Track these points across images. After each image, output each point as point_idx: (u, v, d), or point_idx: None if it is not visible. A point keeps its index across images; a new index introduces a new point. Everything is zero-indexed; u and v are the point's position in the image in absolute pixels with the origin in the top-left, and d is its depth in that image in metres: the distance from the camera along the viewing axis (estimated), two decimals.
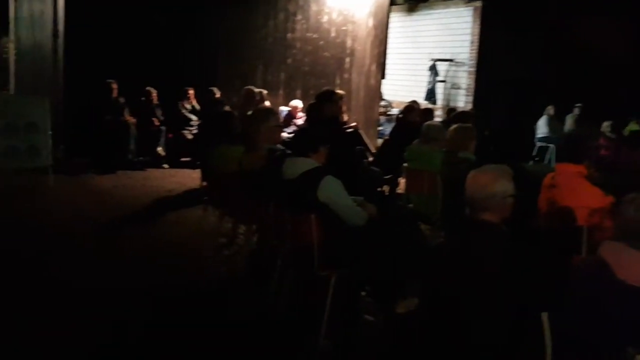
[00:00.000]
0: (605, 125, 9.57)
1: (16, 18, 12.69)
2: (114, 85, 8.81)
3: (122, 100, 8.89)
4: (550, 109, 12.07)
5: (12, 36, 13.11)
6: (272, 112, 4.70)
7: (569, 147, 9.84)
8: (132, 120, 8.85)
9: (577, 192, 4.35)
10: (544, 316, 2.49)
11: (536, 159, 12.02)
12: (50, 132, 7.77)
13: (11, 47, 13.27)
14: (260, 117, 4.54)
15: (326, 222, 3.69)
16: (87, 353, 3.51)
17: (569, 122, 12.23)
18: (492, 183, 2.77)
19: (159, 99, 9.26)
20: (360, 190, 4.18)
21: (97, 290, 4.37)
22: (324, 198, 3.68)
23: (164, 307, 4.21)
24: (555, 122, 12.07)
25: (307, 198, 3.69)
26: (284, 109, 9.64)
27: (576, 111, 12.22)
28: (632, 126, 10.30)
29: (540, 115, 12.13)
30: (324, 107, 5.80)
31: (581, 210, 4.25)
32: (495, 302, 2.59)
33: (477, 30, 13.03)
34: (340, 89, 9.54)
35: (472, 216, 2.82)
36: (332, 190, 3.71)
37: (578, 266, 2.77)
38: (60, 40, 9.04)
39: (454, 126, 5.59)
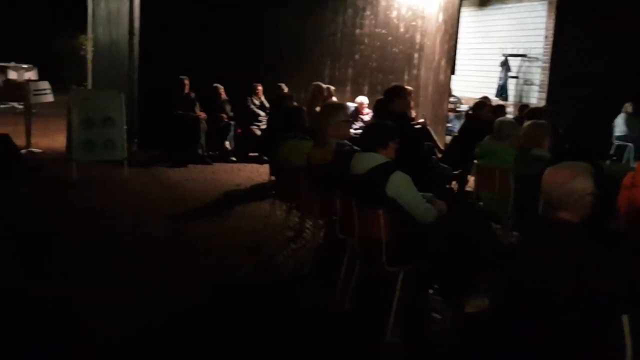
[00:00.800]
0: None
1: (94, 17, 13.24)
2: (186, 81, 9.03)
3: (193, 95, 9.11)
4: (628, 107, 11.51)
5: (90, 34, 13.69)
6: (342, 107, 4.70)
7: None
8: (202, 115, 9.06)
9: None
10: (625, 318, 2.38)
11: (614, 158, 11.50)
12: (125, 127, 8.06)
13: (89, 44, 13.86)
14: (330, 112, 4.54)
15: (395, 217, 3.66)
16: (159, 339, 3.61)
17: None
18: (571, 180, 2.66)
19: (228, 95, 9.42)
20: (429, 187, 4.12)
21: (168, 280, 4.50)
22: (392, 193, 3.65)
23: (231, 299, 4.29)
24: (633, 120, 11.51)
25: (376, 193, 3.67)
26: (350, 105, 9.63)
27: None
28: None
29: (618, 113, 11.59)
30: (392, 102, 5.73)
31: None
32: (573, 305, 2.49)
33: (551, 25, 12.56)
34: (409, 85, 9.41)
35: (548, 215, 2.72)
36: (401, 185, 3.68)
37: None
38: (136, 37, 9.34)
39: (528, 122, 5.42)
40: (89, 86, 13.97)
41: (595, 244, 2.60)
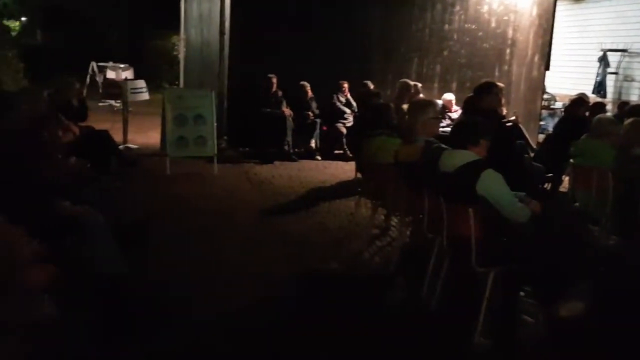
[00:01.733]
0: None
1: (186, 18, 13.73)
2: (274, 80, 9.20)
3: (280, 93, 9.26)
4: None
5: (182, 35, 14.21)
6: (431, 104, 4.63)
7: None
8: (289, 113, 9.19)
9: None
10: None
11: None
12: (215, 124, 8.31)
13: (182, 44, 14.39)
14: (419, 109, 4.48)
15: (486, 216, 3.56)
16: (251, 323, 3.70)
17: None
18: None
19: (314, 93, 9.51)
20: (521, 186, 3.98)
21: (259, 268, 4.63)
22: (483, 191, 3.56)
23: (318, 294, 4.33)
24: None
25: (466, 191, 3.58)
26: (438, 102, 9.46)
27: None
28: None
29: None
30: (481, 99, 5.58)
31: None
32: None
33: None
34: (500, 81, 9.14)
35: None
36: (492, 184, 3.57)
37: None
38: (226, 37, 9.60)
39: (629, 120, 5.15)
40: (181, 85, 14.49)
41: None
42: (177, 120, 8.16)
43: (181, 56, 14.49)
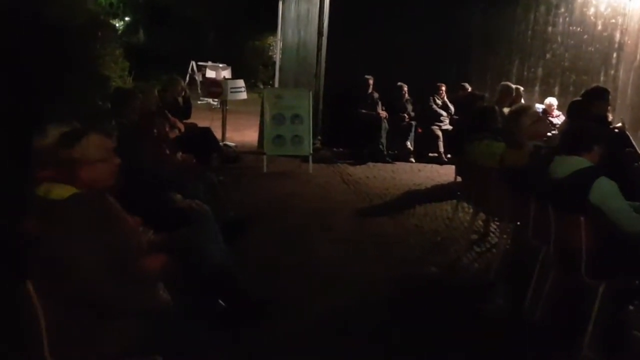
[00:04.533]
0: None
1: (283, 18, 14.01)
2: (370, 81, 9.25)
3: (376, 95, 9.30)
4: None
5: (279, 35, 14.52)
6: (529, 109, 4.56)
7: None
8: (384, 114, 9.20)
9: None
10: None
11: None
12: (311, 124, 8.46)
13: (278, 44, 14.70)
14: (523, 113, 4.40)
15: (597, 226, 3.44)
16: (346, 322, 3.75)
17: None
18: None
19: (410, 94, 9.47)
20: (632, 196, 3.81)
21: (356, 269, 4.69)
22: (596, 200, 3.44)
23: (414, 297, 4.33)
24: None
25: (578, 199, 3.47)
26: (539, 106, 9.18)
27: None
28: None
29: None
30: (592, 105, 5.38)
31: None
32: None
33: None
34: (605, 86, 8.76)
35: None
36: (606, 192, 3.45)
37: None
38: (324, 38, 9.74)
39: None
40: (276, 85, 14.81)
41: None
42: (276, 119, 8.37)
43: (277, 56, 14.81)
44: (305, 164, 8.33)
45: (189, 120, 7.58)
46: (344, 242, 5.36)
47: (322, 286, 4.32)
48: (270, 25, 15.50)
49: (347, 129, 9.28)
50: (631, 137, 7.98)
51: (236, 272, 3.77)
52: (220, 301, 3.59)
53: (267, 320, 3.59)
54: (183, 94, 7.80)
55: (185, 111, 7.61)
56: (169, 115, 6.77)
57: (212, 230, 3.87)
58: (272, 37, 17.46)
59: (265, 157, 8.16)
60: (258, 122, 9.56)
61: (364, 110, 9.18)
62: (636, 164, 6.68)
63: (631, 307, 3.86)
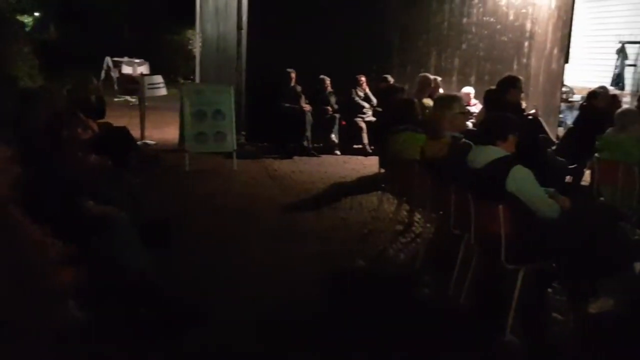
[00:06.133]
0: None
1: (201, 12, 13.73)
2: (293, 74, 9.18)
3: (299, 88, 9.25)
4: None
5: (198, 29, 14.22)
6: (457, 99, 4.60)
7: None
8: (307, 107, 9.17)
9: None
10: None
11: None
12: (234, 119, 8.31)
13: (197, 39, 14.40)
14: (445, 104, 4.46)
15: (515, 213, 3.53)
16: (274, 325, 3.69)
17: None
18: None
19: (333, 87, 9.49)
20: (546, 182, 3.94)
21: (282, 267, 4.61)
22: (513, 188, 3.53)
23: (342, 291, 4.33)
24: None
25: (496, 187, 3.56)
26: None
27: None
28: None
29: None
30: (506, 93, 5.54)
31: None
32: None
33: None
34: (518, 74, 9.08)
35: None
36: (522, 180, 3.55)
37: None
38: (244, 31, 9.59)
39: None
40: (197, 80, 14.51)
41: None
42: (196, 115, 8.16)
43: (197, 51, 14.50)
44: (229, 161, 8.18)
45: (103, 120, 7.25)
46: (271, 239, 5.29)
47: (251, 286, 4.24)
48: (189, 19, 15.15)
49: (271, 124, 9.18)
50: (544, 123, 8.34)
51: (158, 279, 3.62)
52: (144, 311, 3.43)
53: (195, 327, 3.47)
54: (96, 92, 7.46)
55: (98, 110, 7.26)
56: (81, 116, 6.45)
57: (128, 236, 3.69)
58: (191, 31, 17.08)
59: (187, 155, 7.95)
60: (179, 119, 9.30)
61: (287, 104, 9.11)
62: (549, 149, 6.99)
63: (550, 290, 4.00)
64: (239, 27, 9.62)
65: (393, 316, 3.87)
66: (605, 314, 3.78)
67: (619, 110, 5.92)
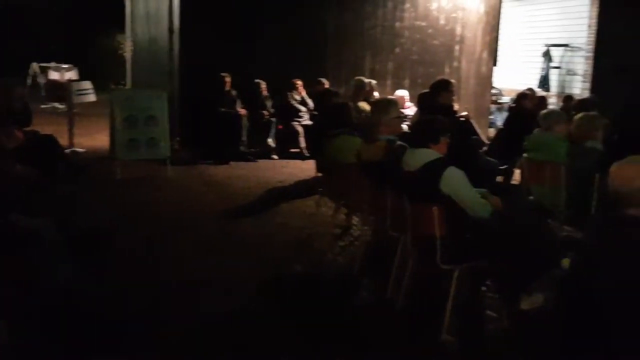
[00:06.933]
0: None
1: (132, 15, 13.39)
2: (227, 79, 9.07)
3: (234, 92, 9.15)
4: None
5: (128, 33, 13.84)
6: (393, 103, 4.65)
7: None
8: (243, 112, 9.09)
9: None
10: None
11: None
12: (167, 125, 8.13)
13: (128, 43, 14.03)
14: (382, 108, 4.50)
15: (449, 214, 3.59)
16: (211, 335, 3.62)
17: None
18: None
19: (268, 91, 9.44)
20: (478, 182, 4.04)
21: (220, 276, 4.52)
22: (446, 189, 3.60)
23: (282, 297, 4.29)
24: None
25: (430, 189, 3.62)
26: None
27: None
28: None
29: None
30: (439, 96, 5.66)
31: None
32: None
33: (595, 14, 12.24)
34: (450, 77, 9.30)
35: (617, 212, 2.62)
36: (455, 181, 3.62)
37: None
38: (176, 35, 9.41)
39: (580, 115, 5.30)
40: (128, 85, 14.13)
41: None
42: (127, 122, 7.93)
43: (128, 55, 14.13)
44: (163, 168, 7.98)
45: (29, 128, 6.94)
46: (208, 247, 5.18)
47: (187, 296, 4.15)
48: (119, 23, 14.73)
49: (206, 129, 9.03)
50: (476, 125, 8.56)
51: (86, 293, 3.49)
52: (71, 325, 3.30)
53: (127, 341, 3.36)
54: (21, 99, 7.13)
55: (24, 118, 6.95)
56: (5, 124, 6.15)
57: (55, 249, 3.54)
58: (122, 35, 16.63)
59: (118, 162, 7.71)
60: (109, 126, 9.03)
61: (222, 109, 8.99)
62: (481, 150, 7.18)
63: (484, 289, 4.09)
64: (171, 31, 9.43)
65: (330, 321, 3.86)
66: (536, 310, 3.89)
67: (544, 111, 6.13)
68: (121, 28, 14.82)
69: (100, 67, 19.11)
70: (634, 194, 2.56)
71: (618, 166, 2.67)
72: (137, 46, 13.22)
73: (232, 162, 8.73)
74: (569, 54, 13.05)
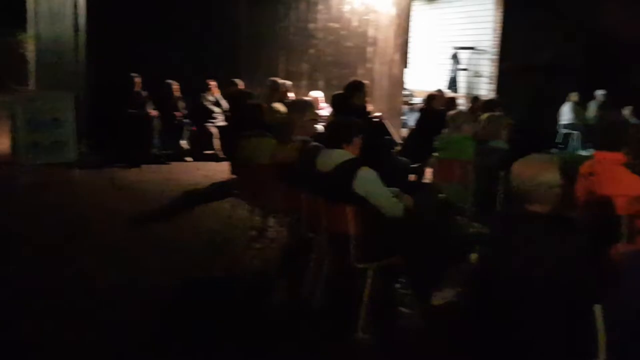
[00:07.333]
0: (627, 111, 9.38)
1: (35, 12, 12.73)
2: (137, 79, 8.80)
3: (144, 93, 8.89)
4: (574, 95, 11.93)
5: (30, 32, 13.16)
6: (309, 105, 4.68)
7: (607, 134, 9.75)
8: (154, 113, 8.84)
9: (616, 180, 4.24)
10: (597, 309, 2.42)
11: (560, 146, 11.86)
12: (74, 127, 7.79)
13: (30, 42, 13.34)
14: (297, 110, 4.51)
15: (363, 213, 3.65)
16: (124, 343, 3.50)
17: (591, 109, 12.07)
18: (540, 174, 2.70)
19: (181, 92, 9.24)
20: (391, 181, 4.13)
21: (132, 282, 4.38)
22: (360, 189, 3.65)
23: (197, 302, 4.20)
24: (578, 109, 11.93)
25: (343, 190, 3.66)
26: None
27: (599, 97, 12.06)
28: None
29: (563, 102, 11.99)
30: (352, 97, 5.74)
31: (620, 199, 4.14)
32: (546, 296, 2.53)
33: (499, 18, 12.83)
34: (363, 79, 9.46)
35: (518, 208, 2.75)
36: (368, 181, 3.68)
37: (627, 256, 2.70)
38: (81, 34, 9.03)
39: (486, 115, 5.52)
40: (32, 86, 13.45)
41: (565, 234, 2.64)
42: (30, 124, 7.56)
43: (30, 55, 13.44)
44: (70, 172, 7.64)
45: None
46: (120, 253, 5.00)
47: (95, 305, 3.98)
48: (20, 20, 13.97)
49: (116, 131, 8.70)
50: (389, 126, 8.74)
51: None
52: None
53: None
54: None
55: None
56: None
57: None
58: (23, 34, 15.79)
59: (20, 167, 7.29)
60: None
61: (132, 110, 8.71)
62: (394, 150, 7.35)
63: (397, 285, 4.17)
64: (76, 29, 9.04)
65: (247, 323, 3.83)
66: (447, 305, 4.02)
67: (452, 112, 6.35)
68: (22, 26, 14.07)
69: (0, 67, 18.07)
70: (534, 190, 2.69)
71: (519, 164, 2.79)
72: (40, 45, 12.59)
73: (143, 166, 8.46)
74: (476, 56, 13.59)
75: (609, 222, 4.15)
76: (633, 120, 9.21)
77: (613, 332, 2.39)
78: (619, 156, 4.36)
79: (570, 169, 3.61)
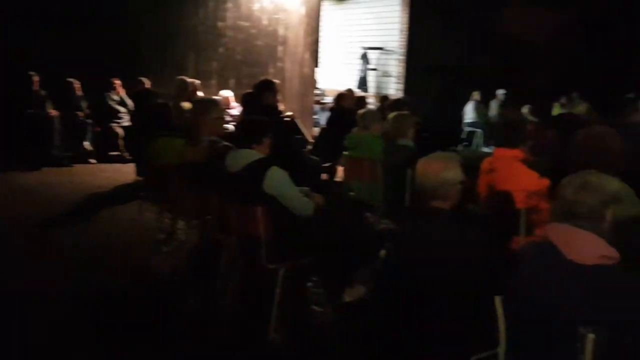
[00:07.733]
0: (526, 110, 9.88)
1: None
2: (35, 78, 8.35)
3: (43, 93, 8.44)
4: (476, 95, 12.46)
5: None
6: (215, 103, 4.58)
7: (506, 132, 10.22)
8: (54, 113, 8.42)
9: (515, 176, 4.44)
10: (498, 300, 2.52)
11: (465, 143, 12.37)
12: None
13: None
14: (203, 109, 4.42)
15: (273, 213, 3.63)
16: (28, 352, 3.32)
17: (493, 107, 12.66)
18: (442, 171, 2.78)
19: (85, 91, 8.85)
20: (303, 180, 4.14)
21: (35, 291, 4.18)
22: (270, 189, 3.63)
23: (105, 308, 4.06)
24: (481, 108, 12.47)
25: (253, 190, 3.63)
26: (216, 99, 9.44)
27: (500, 96, 12.66)
28: (557, 109, 10.75)
29: (467, 101, 12.49)
30: (263, 96, 5.70)
31: (519, 194, 4.35)
32: (450, 289, 2.61)
33: (406, 19, 13.18)
34: (274, 78, 9.44)
35: (422, 204, 2.82)
36: (278, 181, 3.67)
37: (524, 248, 2.82)
38: None
39: (393, 114, 5.62)
40: None
41: (468, 229, 2.74)
42: None
43: None
44: None
45: None
46: (20, 262, 4.74)
47: None
48: None
49: (12, 132, 8.22)
50: (301, 125, 8.78)
51: None
52: None
53: None
54: None
55: None
56: None
57: None
58: None
59: None
60: None
61: (31, 110, 8.25)
62: (304, 149, 7.38)
63: (310, 284, 4.19)
64: None
65: (158, 329, 3.74)
66: (358, 301, 4.08)
67: (361, 111, 6.45)
68: None
69: None
70: (437, 187, 2.77)
71: (423, 162, 2.87)
72: None
73: (44, 168, 8.05)
74: (384, 56, 13.90)
75: (509, 216, 4.35)
76: (531, 118, 9.70)
77: (511, 321, 2.50)
78: (517, 152, 4.58)
79: (471, 165, 3.75)
